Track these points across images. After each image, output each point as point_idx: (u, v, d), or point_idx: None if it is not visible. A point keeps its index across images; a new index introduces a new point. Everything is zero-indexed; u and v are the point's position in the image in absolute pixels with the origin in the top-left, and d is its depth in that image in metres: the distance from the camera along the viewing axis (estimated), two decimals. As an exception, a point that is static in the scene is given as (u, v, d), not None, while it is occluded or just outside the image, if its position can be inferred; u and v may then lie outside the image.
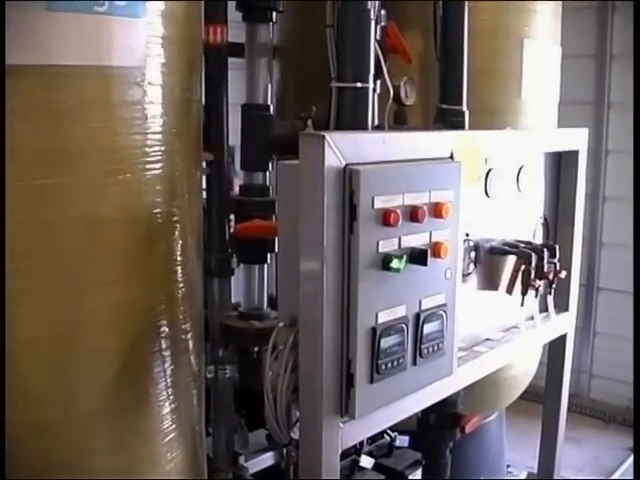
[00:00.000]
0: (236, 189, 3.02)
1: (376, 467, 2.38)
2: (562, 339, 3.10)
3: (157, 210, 2.10)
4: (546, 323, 2.91)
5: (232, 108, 2.75)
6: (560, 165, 3.00)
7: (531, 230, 2.87)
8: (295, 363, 1.97)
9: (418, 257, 2.00)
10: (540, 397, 3.33)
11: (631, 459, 5.26)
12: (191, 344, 2.32)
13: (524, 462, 4.63)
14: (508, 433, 4.50)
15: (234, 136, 2.80)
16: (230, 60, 2.73)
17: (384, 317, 1.97)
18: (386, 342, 1.98)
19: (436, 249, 2.07)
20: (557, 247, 2.74)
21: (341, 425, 1.99)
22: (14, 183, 1.84)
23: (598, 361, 6.10)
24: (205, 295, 2.66)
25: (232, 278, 2.89)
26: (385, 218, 1.91)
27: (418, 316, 2.08)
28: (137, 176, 2.03)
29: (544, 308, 2.91)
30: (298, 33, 3.55)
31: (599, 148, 5.92)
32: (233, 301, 3.01)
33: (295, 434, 2.08)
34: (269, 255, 2.89)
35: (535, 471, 3.48)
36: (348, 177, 1.85)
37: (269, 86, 2.93)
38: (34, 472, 2.00)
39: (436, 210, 2.06)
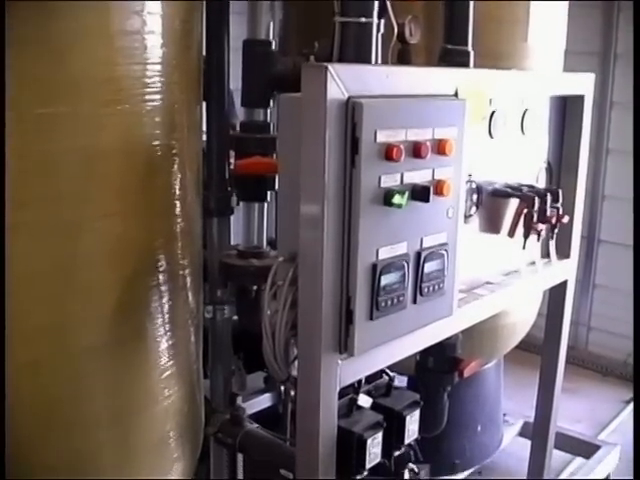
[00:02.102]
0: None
1: (374, 406, 2.37)
2: (563, 286, 3.09)
3: (156, 142, 2.06)
4: (547, 268, 2.90)
5: (233, 52, 2.70)
6: (565, 110, 2.96)
7: (534, 174, 2.84)
8: (294, 299, 1.96)
9: (420, 193, 1.98)
10: (539, 348, 3.33)
11: (627, 411, 5.30)
12: (189, 280, 2.30)
13: (521, 411, 4.64)
14: (506, 382, 4.52)
15: (234, 81, 2.76)
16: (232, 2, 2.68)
17: (385, 254, 1.95)
18: (386, 279, 1.97)
19: (438, 186, 2.05)
20: (560, 192, 2.71)
21: (339, 362, 1.98)
22: (13, 113, 1.80)
23: (597, 314, 6.09)
24: (204, 235, 2.64)
25: (232, 220, 2.88)
26: (388, 153, 1.88)
27: (419, 254, 2.06)
28: (136, 107, 2.00)
29: (546, 254, 2.89)
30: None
31: (604, 100, 5.85)
32: (232, 243, 3.00)
33: (293, 371, 2.07)
34: (269, 193, 2.87)
35: (531, 420, 3.49)
36: (351, 109, 1.81)
37: (271, 24, 2.88)
38: (33, 407, 2.00)
39: (439, 147, 2.04)
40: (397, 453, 2.44)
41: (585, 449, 4.41)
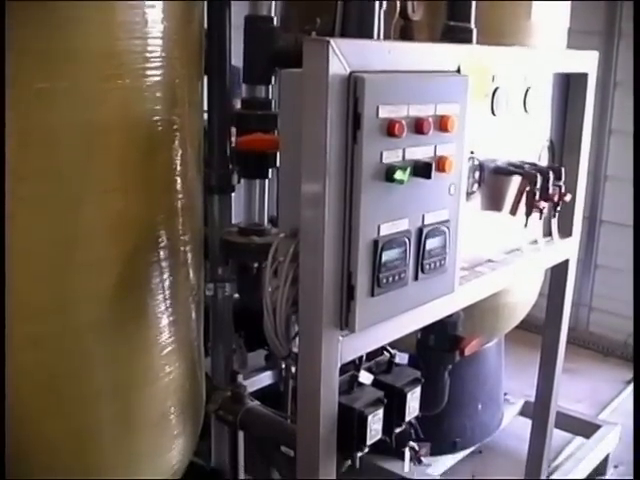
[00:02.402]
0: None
1: (375, 383, 2.37)
2: (564, 265, 3.08)
3: (157, 118, 2.05)
4: (549, 247, 2.90)
5: (234, 30, 2.69)
6: (568, 88, 2.95)
7: (537, 152, 2.83)
8: (295, 275, 1.95)
9: (422, 170, 1.97)
10: (540, 329, 3.33)
11: (627, 391, 5.31)
12: (190, 257, 2.30)
13: (522, 391, 4.64)
14: (507, 362, 4.53)
15: (235, 58, 2.76)
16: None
17: (386, 230, 1.95)
18: (388, 255, 1.96)
19: (440, 163, 2.04)
20: (563, 169, 2.71)
21: (340, 339, 1.98)
22: (13, 87, 1.78)
23: (598, 295, 6.08)
24: (205, 213, 2.64)
25: (233, 200, 2.87)
26: (389, 128, 1.87)
27: (421, 231, 2.05)
28: (137, 82, 1.98)
29: (548, 232, 2.89)
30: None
31: (607, 80, 5.82)
32: (234, 222, 2.99)
33: (294, 348, 2.07)
34: (270, 171, 2.86)
35: (532, 400, 3.50)
36: (353, 84, 1.80)
37: (273, 1, 2.86)
38: (34, 382, 2.00)
39: (441, 123, 2.03)
40: (398, 430, 2.44)
41: (585, 429, 4.41)
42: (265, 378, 3.90)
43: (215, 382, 2.95)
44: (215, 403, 2.83)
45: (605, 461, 4.26)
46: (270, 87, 2.84)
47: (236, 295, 3.01)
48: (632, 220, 5.38)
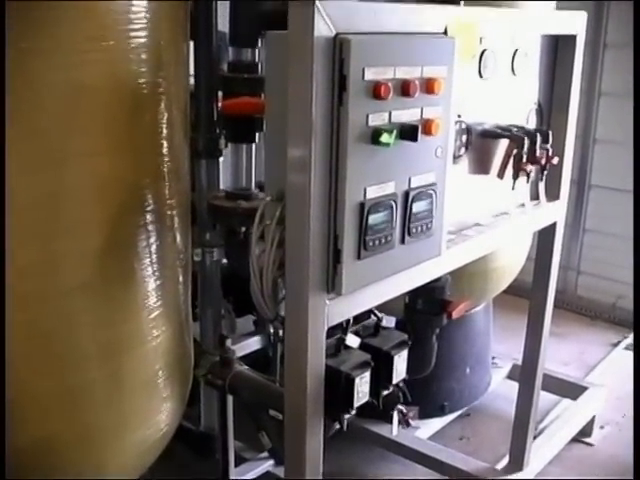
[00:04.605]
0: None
1: (362, 346, 2.38)
2: (552, 228, 3.09)
3: (142, 80, 2.04)
4: (537, 210, 2.90)
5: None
6: (557, 50, 2.94)
7: (524, 115, 2.83)
8: (281, 238, 1.95)
9: (408, 132, 1.96)
10: (528, 293, 3.34)
11: (614, 354, 5.34)
12: (177, 221, 2.30)
13: (510, 354, 4.66)
14: (495, 327, 4.54)
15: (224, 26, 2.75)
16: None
17: (373, 193, 1.95)
18: (374, 219, 1.96)
19: (427, 126, 2.03)
20: (550, 132, 2.70)
21: (327, 302, 1.98)
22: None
23: (586, 258, 6.08)
24: (193, 178, 2.63)
25: (221, 167, 2.87)
26: (375, 90, 1.86)
27: (407, 194, 2.05)
28: (122, 44, 1.97)
29: (535, 196, 2.89)
30: None
31: (597, 40, 5.75)
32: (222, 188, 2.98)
33: (282, 311, 2.08)
34: (257, 135, 2.84)
35: (520, 363, 3.52)
36: (338, 46, 1.79)
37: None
38: (25, 342, 2.01)
39: (428, 85, 2.02)
40: (385, 393, 2.45)
41: (572, 390, 4.43)
42: (254, 343, 3.91)
43: (204, 347, 2.96)
44: (204, 368, 2.84)
45: (591, 422, 4.29)
46: (257, 50, 2.82)
47: (224, 260, 3.01)
48: (621, 184, 5.39)
